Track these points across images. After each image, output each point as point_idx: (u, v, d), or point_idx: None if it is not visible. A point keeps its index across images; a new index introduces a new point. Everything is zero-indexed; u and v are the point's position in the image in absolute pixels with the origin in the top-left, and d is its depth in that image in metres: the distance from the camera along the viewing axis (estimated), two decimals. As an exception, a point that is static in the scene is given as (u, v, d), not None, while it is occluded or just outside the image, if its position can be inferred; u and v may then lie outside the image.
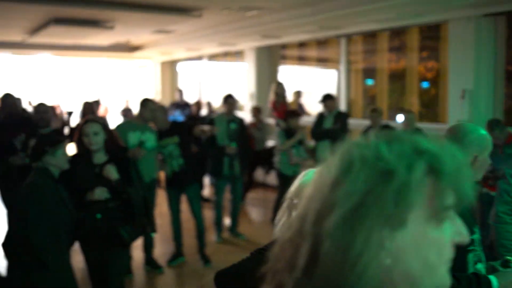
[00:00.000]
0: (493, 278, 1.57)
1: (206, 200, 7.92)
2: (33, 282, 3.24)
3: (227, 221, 6.68)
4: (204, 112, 9.93)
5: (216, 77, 13.27)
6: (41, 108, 5.64)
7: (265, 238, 3.62)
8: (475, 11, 6.14)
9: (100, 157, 3.68)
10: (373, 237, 0.70)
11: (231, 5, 7.23)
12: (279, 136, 6.59)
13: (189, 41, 10.48)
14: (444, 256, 0.76)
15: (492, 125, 4.46)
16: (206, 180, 8.50)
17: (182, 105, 10.22)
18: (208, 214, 6.53)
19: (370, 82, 9.26)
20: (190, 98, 12.91)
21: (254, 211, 8.27)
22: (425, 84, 8.28)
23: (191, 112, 9.76)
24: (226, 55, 12.53)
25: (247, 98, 10.87)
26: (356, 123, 7.94)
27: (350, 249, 0.70)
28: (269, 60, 10.81)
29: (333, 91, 8.92)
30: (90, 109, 7.65)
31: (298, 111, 7.49)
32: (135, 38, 11.16)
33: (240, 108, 11.72)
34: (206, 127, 5.76)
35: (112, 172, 3.58)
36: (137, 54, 13.19)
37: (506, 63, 6.50)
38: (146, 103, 5.27)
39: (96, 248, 3.73)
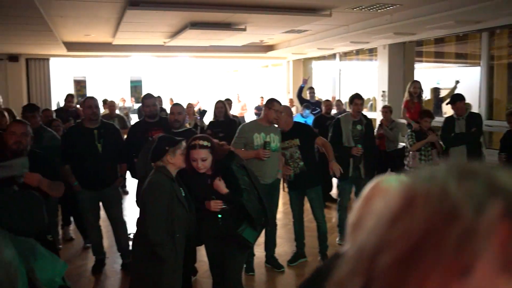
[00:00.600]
0: None
1: (334, 200, 7.85)
2: (149, 274, 3.46)
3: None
4: (334, 111, 9.81)
5: (348, 76, 13.08)
6: (176, 109, 5.94)
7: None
8: None
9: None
10: (427, 285, 0.62)
11: (362, 3, 7.07)
12: (409, 138, 6.31)
13: (321, 40, 10.45)
14: None
15: None
16: (335, 180, 8.41)
17: (313, 104, 10.20)
18: (335, 215, 6.46)
19: (516, 79, 8.46)
20: (322, 96, 12.89)
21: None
22: None
23: (321, 111, 9.71)
24: (358, 53, 12.29)
25: (379, 97, 10.55)
26: (500, 125, 7.31)
27: None
28: (402, 58, 10.38)
29: (473, 89, 8.31)
30: (222, 107, 7.93)
31: (431, 112, 7.08)
32: (267, 38, 11.40)
33: (373, 108, 11.43)
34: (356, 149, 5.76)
35: (221, 187, 3.68)
36: (270, 53, 13.46)
37: None
38: (271, 104, 5.32)
39: (218, 245, 3.89)
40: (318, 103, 10.31)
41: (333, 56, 13.20)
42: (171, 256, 3.47)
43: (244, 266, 4.60)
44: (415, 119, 7.08)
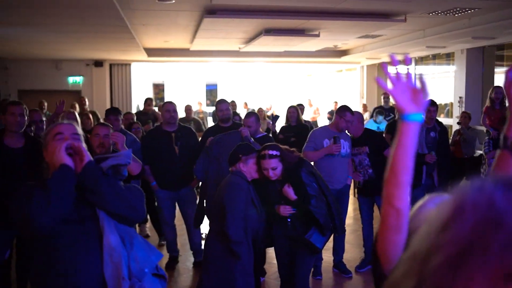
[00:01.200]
0: None
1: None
2: (222, 274, 3.59)
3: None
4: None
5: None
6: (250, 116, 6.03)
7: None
8: None
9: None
10: (473, 287, 0.68)
11: (438, 7, 6.92)
12: (486, 145, 6.10)
13: (395, 45, 10.28)
14: None
15: None
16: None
17: (386, 110, 10.05)
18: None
19: None
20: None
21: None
22: None
23: (395, 117, 9.55)
24: (435, 58, 11.96)
25: (456, 103, 10.22)
26: None
27: None
28: (481, 62, 10.00)
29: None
30: (294, 112, 8.00)
31: None
32: (341, 43, 11.36)
33: (449, 114, 11.08)
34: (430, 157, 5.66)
35: (289, 194, 3.76)
36: (344, 58, 13.39)
37: None
38: (343, 114, 5.28)
39: (287, 248, 3.97)
40: (392, 109, 10.14)
41: (408, 60, 12.91)
42: (246, 255, 3.59)
43: (312, 269, 4.64)
44: (495, 126, 6.84)
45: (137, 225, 6.67)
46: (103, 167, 2.17)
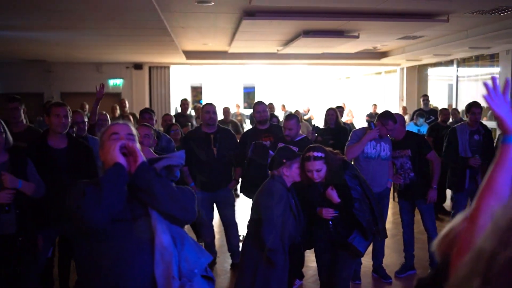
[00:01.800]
0: None
1: (447, 212, 7.54)
2: (258, 277, 3.59)
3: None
4: (450, 120, 9.42)
5: (467, 83, 12.47)
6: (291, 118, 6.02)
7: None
8: None
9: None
10: None
11: (482, 7, 6.76)
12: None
13: (437, 46, 10.09)
14: None
15: None
16: (449, 192, 8.08)
17: (427, 113, 9.87)
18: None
19: None
20: (438, 104, 12.42)
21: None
22: None
23: (437, 120, 9.37)
24: (478, 59, 11.68)
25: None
26: None
27: None
28: (528, 64, 9.72)
29: None
30: (333, 115, 7.96)
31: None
32: (381, 45, 11.23)
33: (490, 117, 10.80)
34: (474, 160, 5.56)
35: (333, 196, 3.73)
36: (383, 60, 13.23)
37: None
38: (386, 122, 5.20)
39: (328, 251, 3.95)
40: (433, 111, 9.96)
41: (450, 62, 12.67)
42: (281, 262, 3.59)
43: (351, 273, 4.60)
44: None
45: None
46: (156, 168, 2.20)
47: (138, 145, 2.27)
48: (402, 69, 14.94)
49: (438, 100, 13.34)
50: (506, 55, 9.85)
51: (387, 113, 5.28)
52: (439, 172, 5.36)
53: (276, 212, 3.56)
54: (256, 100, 6.53)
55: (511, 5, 6.58)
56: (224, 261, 5.93)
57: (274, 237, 3.51)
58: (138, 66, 13.99)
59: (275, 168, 3.75)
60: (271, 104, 10.48)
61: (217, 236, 5.98)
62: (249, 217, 3.89)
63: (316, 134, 7.34)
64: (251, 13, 7.02)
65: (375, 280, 5.44)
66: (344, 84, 20.37)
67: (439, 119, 8.52)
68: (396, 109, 13.23)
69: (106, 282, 2.09)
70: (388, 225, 6.83)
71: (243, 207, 6.74)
